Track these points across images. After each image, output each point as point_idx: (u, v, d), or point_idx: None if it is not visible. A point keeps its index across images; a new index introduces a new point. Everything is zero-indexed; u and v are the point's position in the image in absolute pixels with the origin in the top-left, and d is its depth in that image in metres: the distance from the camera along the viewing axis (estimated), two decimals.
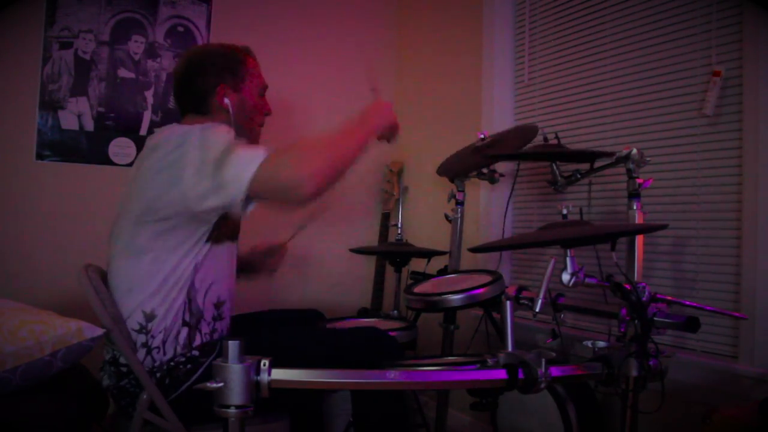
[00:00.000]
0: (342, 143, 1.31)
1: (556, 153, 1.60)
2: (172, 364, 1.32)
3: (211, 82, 1.47)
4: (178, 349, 1.33)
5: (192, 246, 1.33)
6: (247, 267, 1.79)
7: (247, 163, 1.19)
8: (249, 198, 1.22)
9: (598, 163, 1.59)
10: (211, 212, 1.28)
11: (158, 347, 1.32)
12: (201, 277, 1.37)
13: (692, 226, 1.65)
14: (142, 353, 1.31)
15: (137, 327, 1.32)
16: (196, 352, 1.35)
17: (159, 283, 1.32)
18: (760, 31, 1.46)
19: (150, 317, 1.32)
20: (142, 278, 1.33)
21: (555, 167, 1.66)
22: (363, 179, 2.80)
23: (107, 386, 1.37)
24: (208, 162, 1.21)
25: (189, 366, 1.33)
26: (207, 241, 1.35)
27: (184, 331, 1.34)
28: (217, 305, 1.42)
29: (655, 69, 1.74)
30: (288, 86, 2.60)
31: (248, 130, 1.53)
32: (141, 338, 1.32)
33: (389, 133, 1.53)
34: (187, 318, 1.35)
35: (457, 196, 2.05)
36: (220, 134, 1.26)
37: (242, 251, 1.76)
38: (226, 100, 1.48)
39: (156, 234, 1.31)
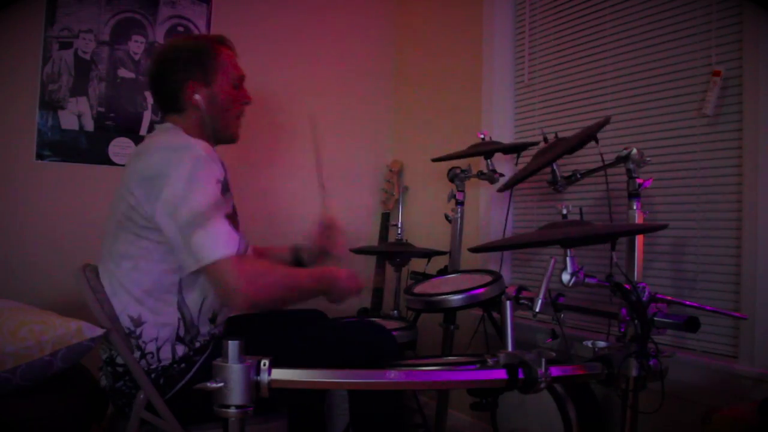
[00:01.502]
0: (298, 291, 1.38)
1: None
2: (166, 364, 1.32)
3: (180, 79, 1.43)
4: (175, 358, 1.33)
5: (171, 261, 1.31)
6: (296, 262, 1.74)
7: (216, 245, 1.23)
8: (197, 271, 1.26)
9: (596, 164, 1.59)
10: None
11: (151, 353, 1.32)
12: (192, 297, 1.36)
13: (692, 226, 1.64)
14: (136, 356, 1.31)
15: (126, 330, 1.32)
16: (190, 352, 1.35)
17: (142, 291, 1.32)
18: (760, 31, 1.46)
19: (137, 322, 1.32)
20: (123, 284, 1.33)
21: (555, 167, 1.66)
22: (363, 179, 2.80)
23: (104, 387, 1.37)
24: (188, 204, 1.23)
25: (183, 365, 1.33)
26: None
27: (181, 346, 1.34)
28: (213, 318, 1.42)
29: (655, 69, 1.74)
30: (287, 85, 2.60)
31: (223, 122, 1.49)
32: (132, 342, 1.32)
33: (338, 299, 1.47)
34: (181, 334, 1.34)
35: (457, 196, 2.06)
36: (210, 178, 1.28)
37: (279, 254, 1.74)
38: (197, 97, 1.43)
39: (135, 242, 1.31)
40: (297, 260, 1.76)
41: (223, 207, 1.28)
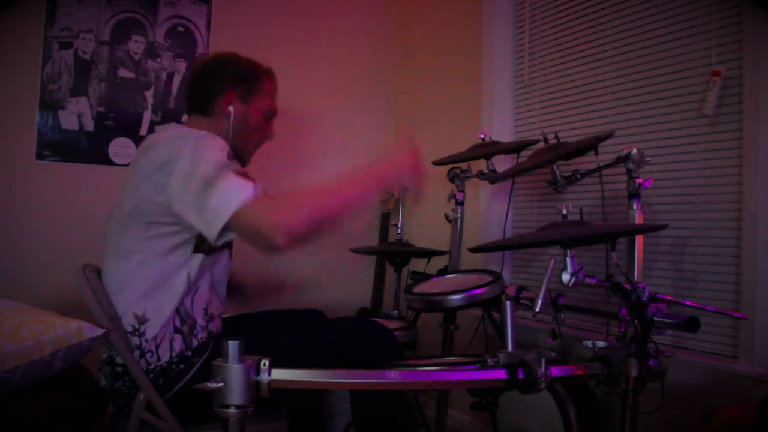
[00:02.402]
0: (332, 198, 1.23)
1: (556, 154, 1.60)
2: (165, 365, 1.32)
3: (221, 86, 1.48)
4: (173, 354, 1.33)
5: (179, 254, 1.33)
6: (236, 291, 1.76)
7: (231, 197, 1.17)
8: (225, 230, 1.19)
9: (595, 165, 1.59)
10: (192, 226, 1.27)
11: (152, 351, 1.32)
12: (188, 288, 1.36)
13: (692, 226, 1.65)
14: (135, 355, 1.31)
15: (130, 329, 1.32)
16: (188, 352, 1.35)
17: (148, 287, 1.32)
18: (760, 31, 1.46)
19: (142, 320, 1.32)
20: (130, 280, 1.33)
21: (555, 167, 1.66)
22: None
23: (104, 387, 1.38)
24: (197, 176, 1.21)
25: (182, 365, 1.33)
26: (196, 251, 1.34)
27: (178, 338, 1.34)
28: (206, 309, 1.42)
29: (655, 69, 1.74)
30: (287, 85, 2.60)
31: (243, 146, 1.53)
32: (135, 340, 1.32)
33: (411, 187, 1.33)
34: (177, 324, 1.35)
35: (457, 196, 2.06)
36: (214, 149, 1.26)
37: (239, 276, 1.74)
38: (231, 108, 1.48)
39: (142, 236, 1.31)
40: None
41: (231, 166, 1.24)
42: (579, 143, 1.57)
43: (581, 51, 1.98)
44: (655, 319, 1.19)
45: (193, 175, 1.22)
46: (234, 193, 1.17)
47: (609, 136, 1.55)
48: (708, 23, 1.61)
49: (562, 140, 1.70)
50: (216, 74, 1.50)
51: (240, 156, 1.51)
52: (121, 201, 1.36)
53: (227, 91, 1.48)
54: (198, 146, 1.26)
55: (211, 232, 1.20)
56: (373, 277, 2.52)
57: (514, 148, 1.94)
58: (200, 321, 1.39)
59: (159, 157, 1.28)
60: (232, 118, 1.49)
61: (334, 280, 2.66)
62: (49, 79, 2.12)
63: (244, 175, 1.23)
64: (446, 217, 2.09)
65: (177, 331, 1.34)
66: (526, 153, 2.00)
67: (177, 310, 1.35)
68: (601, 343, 1.26)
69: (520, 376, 1.08)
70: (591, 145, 1.54)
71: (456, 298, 1.64)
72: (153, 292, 1.32)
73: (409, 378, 1.07)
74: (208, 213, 1.18)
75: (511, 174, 1.75)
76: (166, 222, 1.29)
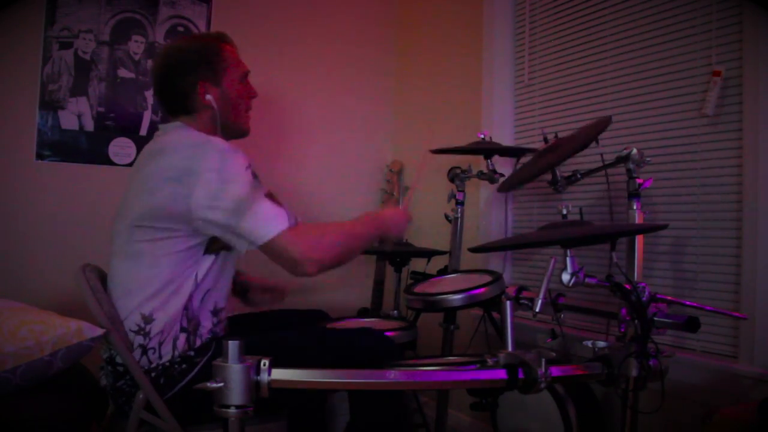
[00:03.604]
0: (356, 240, 1.41)
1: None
2: (167, 364, 1.32)
3: (190, 81, 1.43)
4: (176, 353, 1.33)
5: (190, 255, 1.34)
6: (239, 291, 1.77)
7: (268, 224, 1.26)
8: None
9: (596, 164, 1.58)
10: (211, 234, 1.32)
11: (154, 348, 1.32)
12: (199, 287, 1.37)
13: (692, 226, 1.64)
14: (137, 353, 1.31)
15: (135, 328, 1.32)
16: (191, 352, 1.35)
17: (158, 287, 1.32)
18: (760, 31, 1.46)
19: (149, 320, 1.32)
20: (141, 281, 1.33)
21: (555, 168, 1.66)
22: (363, 179, 2.80)
23: (104, 386, 1.38)
24: (228, 196, 1.25)
25: (184, 365, 1.33)
26: (206, 252, 1.36)
27: (182, 336, 1.34)
28: (215, 312, 1.42)
29: (655, 69, 1.74)
30: (288, 85, 2.60)
31: (236, 119, 1.52)
32: (138, 339, 1.32)
33: (391, 240, 1.57)
34: (184, 324, 1.35)
35: (457, 196, 2.05)
36: (241, 167, 1.29)
37: (243, 276, 1.76)
38: (208, 97, 1.44)
39: (153, 239, 1.31)
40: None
41: (261, 188, 1.30)
42: (580, 137, 1.54)
43: (581, 51, 1.98)
44: (655, 319, 1.19)
45: (222, 192, 1.25)
46: (271, 222, 1.27)
47: (608, 122, 1.50)
48: (708, 23, 1.61)
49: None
50: (177, 71, 1.44)
51: (239, 129, 1.55)
52: (130, 203, 1.35)
53: (198, 83, 1.43)
54: (223, 161, 1.27)
55: (241, 249, 1.30)
56: (373, 277, 2.52)
57: (513, 152, 1.93)
58: (206, 322, 1.39)
59: (176, 164, 1.28)
60: (215, 105, 1.45)
61: (334, 280, 2.66)
62: (49, 79, 2.12)
63: (273, 198, 1.32)
64: (446, 217, 2.09)
65: (182, 330, 1.35)
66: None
67: (185, 310, 1.35)
68: (601, 343, 1.26)
69: (520, 376, 1.08)
70: (592, 137, 1.51)
71: (456, 298, 1.64)
72: (162, 292, 1.32)
73: (409, 378, 1.07)
74: (240, 235, 1.27)
75: (517, 183, 1.74)
76: (181, 228, 1.30)
